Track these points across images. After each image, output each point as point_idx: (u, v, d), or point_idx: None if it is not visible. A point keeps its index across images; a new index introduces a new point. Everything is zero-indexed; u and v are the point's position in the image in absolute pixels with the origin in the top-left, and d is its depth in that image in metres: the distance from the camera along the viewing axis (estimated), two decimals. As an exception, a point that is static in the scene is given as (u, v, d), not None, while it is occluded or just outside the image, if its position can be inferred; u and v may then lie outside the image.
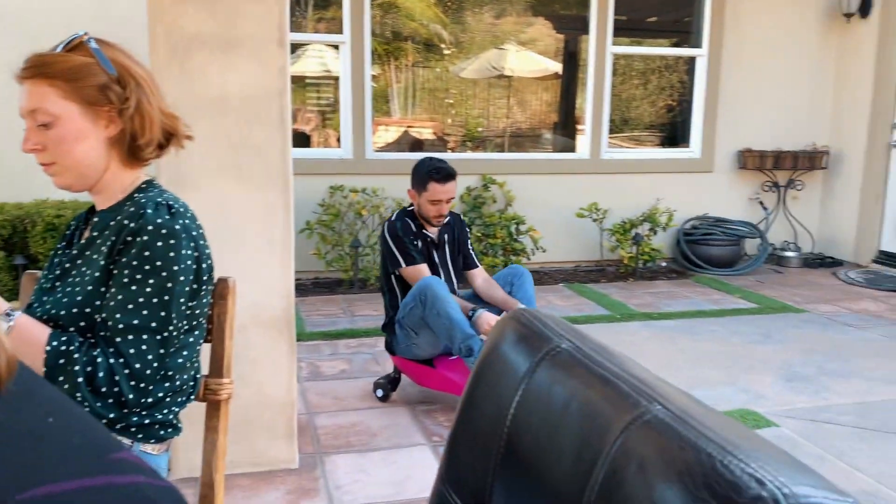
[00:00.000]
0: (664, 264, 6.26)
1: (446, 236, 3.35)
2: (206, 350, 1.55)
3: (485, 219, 5.61)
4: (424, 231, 3.27)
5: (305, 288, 5.30)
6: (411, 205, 3.31)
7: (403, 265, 3.16)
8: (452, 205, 3.30)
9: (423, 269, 3.17)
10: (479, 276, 3.38)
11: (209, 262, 1.44)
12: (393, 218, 3.27)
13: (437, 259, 3.30)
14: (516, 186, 5.84)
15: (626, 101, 6.69)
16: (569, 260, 6.15)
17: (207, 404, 1.54)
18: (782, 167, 6.36)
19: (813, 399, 3.34)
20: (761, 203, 6.50)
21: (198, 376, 1.52)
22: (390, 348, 3.26)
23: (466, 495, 0.78)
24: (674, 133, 6.78)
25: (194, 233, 1.38)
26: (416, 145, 6.49)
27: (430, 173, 3.16)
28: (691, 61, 6.43)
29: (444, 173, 3.16)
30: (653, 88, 6.77)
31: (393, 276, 3.24)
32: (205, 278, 1.42)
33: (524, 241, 5.61)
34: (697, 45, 6.34)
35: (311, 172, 5.43)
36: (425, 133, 6.63)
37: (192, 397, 1.51)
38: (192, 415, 1.64)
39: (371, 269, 5.31)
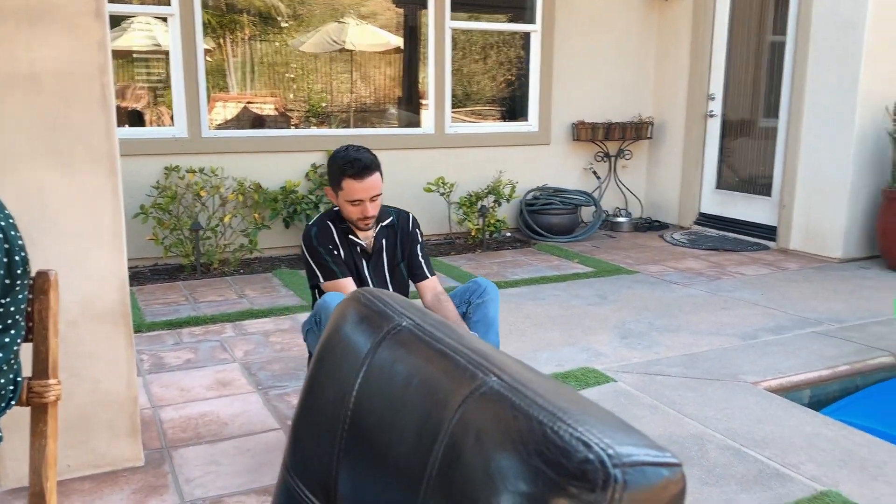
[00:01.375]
0: (509, 234, 6.48)
1: (384, 242, 2.77)
2: (27, 350, 1.43)
3: (332, 196, 5.54)
4: (352, 237, 2.71)
5: (143, 276, 5.01)
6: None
7: (322, 280, 2.66)
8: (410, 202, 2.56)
9: (346, 284, 2.63)
10: (429, 291, 2.79)
11: (23, 254, 1.32)
12: (311, 223, 2.73)
13: (367, 272, 2.74)
14: (362, 162, 5.80)
15: (467, 76, 6.81)
16: (418, 234, 6.21)
17: (32, 408, 1.43)
18: (612, 138, 6.74)
19: (645, 354, 3.59)
20: (594, 173, 6.87)
21: (18, 379, 1.40)
22: None
23: (312, 482, 0.77)
24: (513, 107, 6.99)
25: (3, 223, 1.26)
26: (258, 122, 6.28)
27: (344, 168, 2.57)
28: (526, 37, 6.64)
29: (360, 166, 2.56)
30: (492, 63, 6.92)
31: (317, 290, 2.76)
32: (18, 272, 1.30)
33: (372, 217, 5.60)
34: (531, 20, 6.54)
35: (144, 153, 5.12)
36: (266, 109, 6.43)
37: (13, 402, 1.39)
38: (17, 420, 1.51)
39: (214, 252, 5.10)
